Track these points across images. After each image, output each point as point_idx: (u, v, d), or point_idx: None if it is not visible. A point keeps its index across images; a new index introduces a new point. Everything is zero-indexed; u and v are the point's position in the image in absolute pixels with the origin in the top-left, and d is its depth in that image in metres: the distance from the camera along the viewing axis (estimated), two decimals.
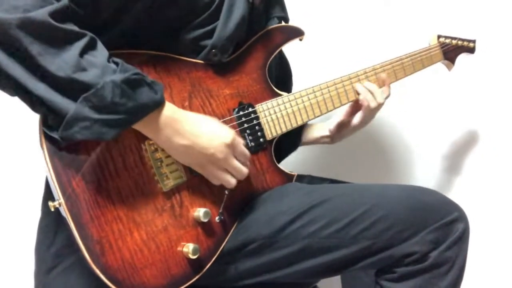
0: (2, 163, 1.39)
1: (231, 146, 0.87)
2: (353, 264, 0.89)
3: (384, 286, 0.89)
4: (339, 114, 1.16)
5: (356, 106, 1.13)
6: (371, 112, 1.11)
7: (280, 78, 1.16)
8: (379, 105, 1.10)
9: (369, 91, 1.09)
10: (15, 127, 1.37)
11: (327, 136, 1.20)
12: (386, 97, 1.12)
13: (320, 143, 1.22)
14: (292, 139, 1.18)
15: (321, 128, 1.20)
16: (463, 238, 0.86)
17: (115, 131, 0.77)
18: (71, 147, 0.81)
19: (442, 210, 0.87)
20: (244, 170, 0.90)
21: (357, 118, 1.12)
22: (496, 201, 1.49)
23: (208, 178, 0.90)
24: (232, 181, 0.90)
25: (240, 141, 0.90)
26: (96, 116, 0.75)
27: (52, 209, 0.80)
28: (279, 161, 1.08)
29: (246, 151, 0.91)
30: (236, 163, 0.89)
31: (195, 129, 0.85)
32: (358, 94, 1.10)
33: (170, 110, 0.83)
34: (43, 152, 0.80)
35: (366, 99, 1.09)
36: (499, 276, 1.50)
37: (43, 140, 0.80)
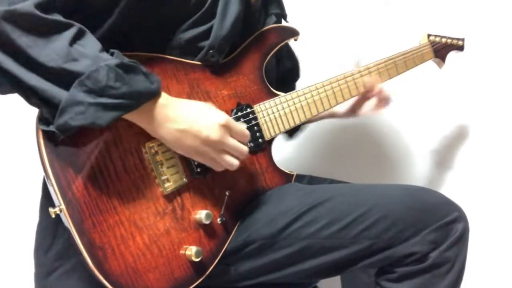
0: (0, 165, 1.37)
1: (226, 127, 0.85)
2: (353, 264, 0.90)
3: (384, 286, 0.90)
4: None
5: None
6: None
7: (286, 72, 1.17)
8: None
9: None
10: (13, 130, 1.35)
11: (340, 114, 1.22)
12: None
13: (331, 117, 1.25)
14: None
15: None
16: (463, 238, 0.87)
17: (109, 116, 0.75)
18: (71, 151, 0.80)
19: (442, 210, 0.88)
20: (244, 148, 0.87)
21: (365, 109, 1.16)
22: (494, 199, 1.51)
23: (210, 165, 0.88)
24: (234, 162, 0.87)
25: (236, 122, 0.88)
26: (90, 100, 0.74)
27: (53, 216, 0.79)
28: (293, 135, 1.15)
29: (244, 129, 0.88)
30: (234, 142, 0.86)
31: (187, 113, 0.83)
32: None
33: (163, 99, 0.82)
34: (42, 156, 0.79)
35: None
36: (499, 276, 1.52)
37: (42, 143, 0.79)
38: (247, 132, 0.89)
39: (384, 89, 1.14)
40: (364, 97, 1.15)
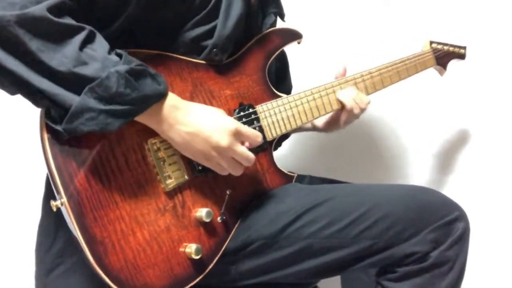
0: (2, 162, 1.37)
1: (236, 134, 0.86)
2: (353, 264, 0.90)
3: (385, 286, 0.89)
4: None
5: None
6: (355, 116, 1.11)
7: (279, 71, 1.18)
8: (362, 111, 1.10)
9: (353, 99, 1.08)
10: (15, 127, 1.35)
11: (312, 128, 1.20)
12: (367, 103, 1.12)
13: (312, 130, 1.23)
14: None
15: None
16: (463, 238, 0.87)
17: (119, 122, 0.77)
18: (74, 145, 0.80)
19: (442, 210, 0.88)
20: (251, 155, 0.88)
21: (341, 119, 1.11)
22: (495, 199, 1.51)
23: (214, 169, 0.88)
24: (239, 169, 0.88)
25: (245, 127, 0.88)
26: (101, 107, 0.74)
27: (54, 209, 0.79)
28: (277, 147, 1.13)
29: (255, 131, 0.90)
30: (243, 149, 0.87)
31: (198, 117, 0.84)
32: (341, 102, 1.09)
33: (172, 100, 0.83)
34: (45, 149, 0.79)
35: (352, 106, 1.08)
36: (500, 276, 1.51)
37: (45, 137, 0.79)
38: (259, 133, 0.90)
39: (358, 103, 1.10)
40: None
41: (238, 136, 0.86)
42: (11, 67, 0.73)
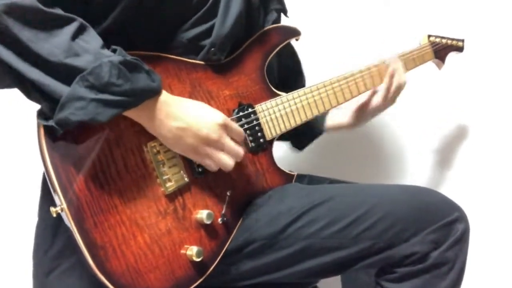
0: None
1: (224, 126, 0.86)
2: (353, 264, 0.90)
3: (385, 286, 0.90)
4: (355, 101, 1.17)
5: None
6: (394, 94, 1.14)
7: (289, 74, 1.18)
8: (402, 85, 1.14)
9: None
10: (12, 130, 1.34)
11: (346, 124, 1.21)
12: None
13: (339, 129, 1.24)
14: (314, 126, 1.22)
15: (338, 115, 1.22)
16: (463, 239, 0.87)
17: (110, 112, 0.75)
18: (72, 149, 0.80)
19: (442, 211, 0.88)
20: (240, 150, 0.88)
21: (376, 101, 1.15)
22: (495, 200, 1.52)
23: (204, 165, 0.88)
24: (229, 163, 0.87)
25: (233, 122, 0.89)
26: (92, 95, 0.74)
27: (54, 215, 0.79)
28: (302, 148, 1.22)
29: (241, 129, 0.90)
30: (232, 143, 0.87)
31: (187, 111, 0.84)
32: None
33: (164, 97, 0.82)
34: (43, 154, 0.79)
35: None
36: (499, 277, 1.52)
37: (43, 141, 0.79)
38: (243, 132, 0.91)
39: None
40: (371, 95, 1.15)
41: (226, 128, 0.86)
42: (1, 57, 0.72)
